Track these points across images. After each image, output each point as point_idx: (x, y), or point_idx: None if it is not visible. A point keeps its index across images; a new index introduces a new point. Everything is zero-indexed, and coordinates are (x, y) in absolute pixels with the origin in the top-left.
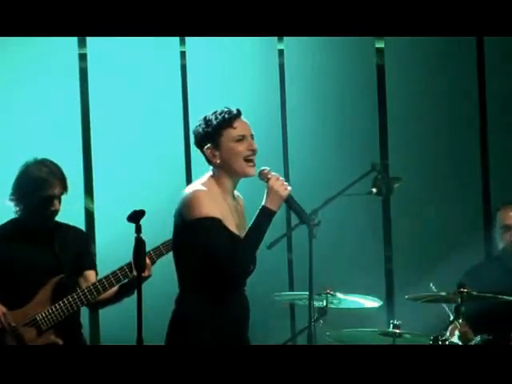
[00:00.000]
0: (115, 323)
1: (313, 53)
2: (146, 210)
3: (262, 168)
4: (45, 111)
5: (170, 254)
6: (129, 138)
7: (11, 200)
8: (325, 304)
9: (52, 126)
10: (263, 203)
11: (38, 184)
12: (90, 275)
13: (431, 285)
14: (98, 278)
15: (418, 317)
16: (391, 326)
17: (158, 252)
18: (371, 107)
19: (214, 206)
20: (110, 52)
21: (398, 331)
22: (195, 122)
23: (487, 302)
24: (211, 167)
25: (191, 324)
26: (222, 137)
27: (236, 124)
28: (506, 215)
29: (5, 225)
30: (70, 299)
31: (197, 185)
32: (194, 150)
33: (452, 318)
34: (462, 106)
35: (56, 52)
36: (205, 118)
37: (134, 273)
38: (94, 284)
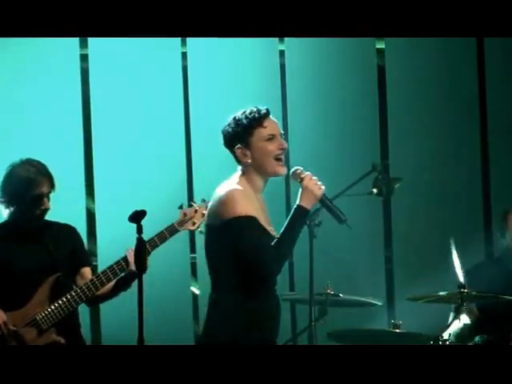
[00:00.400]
0: (116, 323)
1: (314, 53)
2: (147, 210)
3: (295, 168)
4: (46, 111)
5: (169, 250)
6: (130, 139)
7: (0, 203)
8: (325, 304)
9: (53, 126)
10: (298, 202)
11: (27, 184)
12: (86, 272)
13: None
14: (95, 273)
15: (418, 317)
16: (391, 325)
17: (153, 243)
18: (372, 108)
19: (250, 205)
20: (111, 53)
21: (398, 331)
22: (196, 123)
23: (487, 302)
24: (240, 167)
25: (229, 324)
26: (252, 136)
27: (266, 123)
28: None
29: None
30: (69, 297)
31: (231, 184)
32: (194, 150)
33: (452, 317)
34: (463, 106)
35: (58, 52)
36: (234, 118)
37: (132, 267)
38: (91, 280)
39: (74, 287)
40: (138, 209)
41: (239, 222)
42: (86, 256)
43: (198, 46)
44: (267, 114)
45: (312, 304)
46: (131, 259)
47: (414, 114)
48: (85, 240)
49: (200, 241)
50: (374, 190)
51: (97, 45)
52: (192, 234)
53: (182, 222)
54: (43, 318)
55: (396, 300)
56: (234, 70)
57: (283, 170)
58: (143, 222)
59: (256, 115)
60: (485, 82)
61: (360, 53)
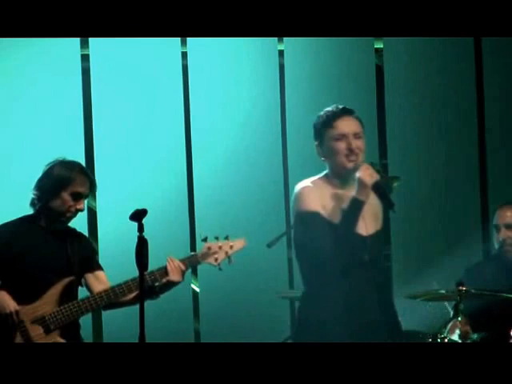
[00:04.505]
0: (118, 321)
1: (312, 53)
2: (148, 209)
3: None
4: (47, 111)
5: (169, 248)
6: (131, 138)
7: (36, 195)
8: None
9: (54, 126)
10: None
11: (67, 181)
12: (101, 275)
13: (434, 283)
14: (113, 285)
15: (417, 315)
16: None
17: (194, 260)
18: (370, 107)
19: (315, 201)
20: (112, 53)
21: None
22: (196, 122)
23: (486, 299)
24: None
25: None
26: (323, 136)
27: (336, 123)
28: (498, 215)
29: (17, 221)
30: (81, 303)
31: (305, 181)
32: (195, 149)
33: (451, 315)
34: (461, 106)
35: (59, 53)
36: (318, 115)
37: (171, 277)
38: (106, 291)
39: (90, 294)
40: (139, 207)
41: (300, 217)
42: (98, 262)
43: (197, 45)
44: (340, 114)
45: None
46: (171, 268)
47: (412, 113)
48: None
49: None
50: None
51: (98, 45)
52: (192, 231)
53: (204, 255)
54: (52, 318)
55: (394, 298)
56: (233, 70)
57: (350, 165)
58: (144, 221)
59: (326, 115)
60: (482, 81)
61: (358, 52)
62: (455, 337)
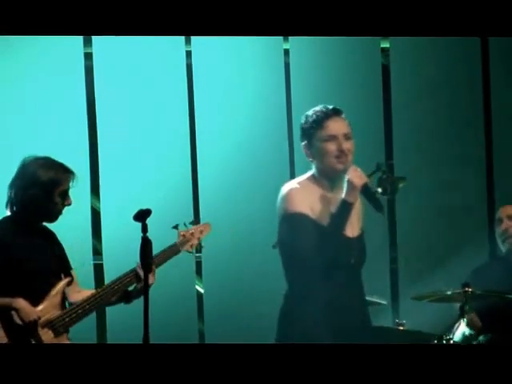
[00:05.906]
0: (122, 322)
1: (318, 53)
2: (152, 209)
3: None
4: (51, 110)
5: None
6: (135, 137)
7: (24, 201)
8: None
9: (58, 125)
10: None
11: (54, 183)
12: (74, 274)
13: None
14: (110, 280)
15: (422, 316)
16: (396, 324)
17: (157, 261)
18: (376, 107)
19: (304, 202)
20: (115, 51)
21: (401, 328)
22: (201, 122)
23: (492, 300)
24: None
25: (284, 321)
26: (313, 137)
27: (326, 124)
28: (500, 210)
29: (4, 222)
30: (85, 305)
31: (293, 181)
32: (199, 148)
33: (457, 317)
34: (467, 105)
35: (62, 51)
36: (306, 115)
37: (138, 286)
38: (104, 288)
39: (92, 293)
40: (143, 208)
41: (288, 219)
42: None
43: (202, 44)
44: (331, 114)
45: None
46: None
47: (419, 113)
48: (90, 238)
49: (203, 239)
50: (379, 190)
51: (101, 43)
52: None
53: (183, 243)
54: (60, 321)
55: (401, 299)
56: (238, 69)
57: (340, 167)
58: (148, 221)
59: (316, 116)
60: (489, 81)
61: (364, 52)
62: (461, 338)
